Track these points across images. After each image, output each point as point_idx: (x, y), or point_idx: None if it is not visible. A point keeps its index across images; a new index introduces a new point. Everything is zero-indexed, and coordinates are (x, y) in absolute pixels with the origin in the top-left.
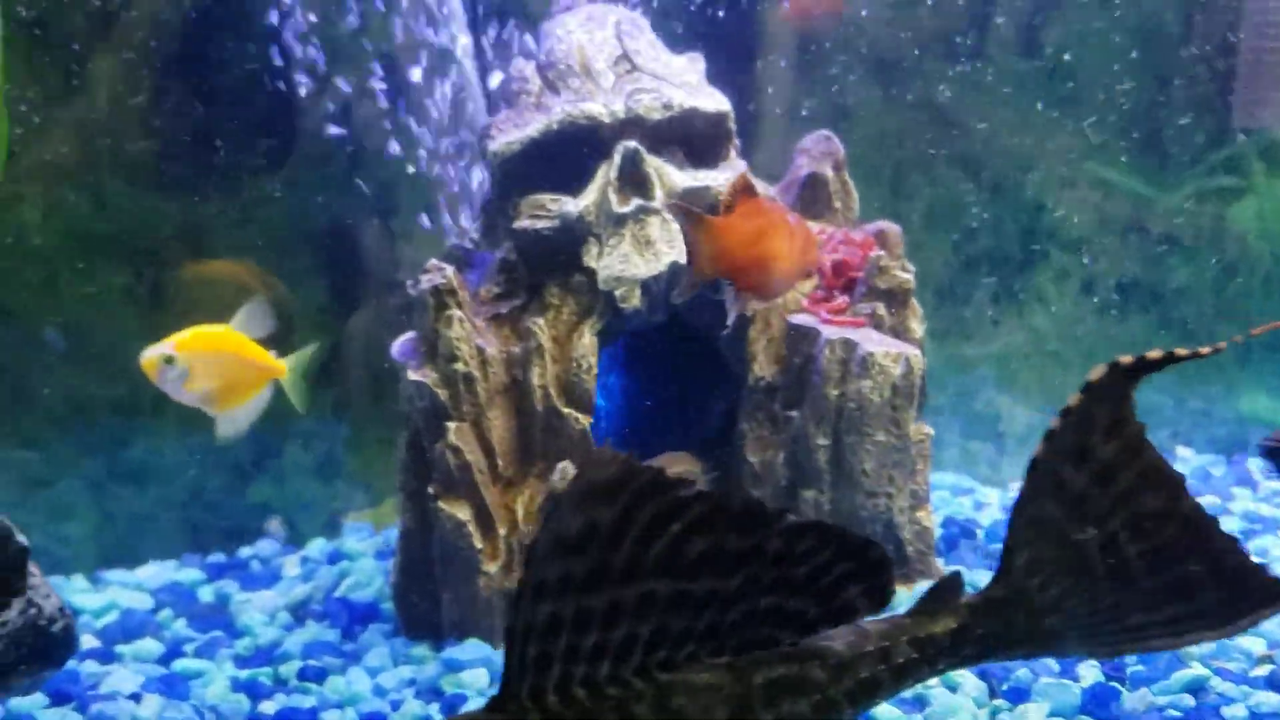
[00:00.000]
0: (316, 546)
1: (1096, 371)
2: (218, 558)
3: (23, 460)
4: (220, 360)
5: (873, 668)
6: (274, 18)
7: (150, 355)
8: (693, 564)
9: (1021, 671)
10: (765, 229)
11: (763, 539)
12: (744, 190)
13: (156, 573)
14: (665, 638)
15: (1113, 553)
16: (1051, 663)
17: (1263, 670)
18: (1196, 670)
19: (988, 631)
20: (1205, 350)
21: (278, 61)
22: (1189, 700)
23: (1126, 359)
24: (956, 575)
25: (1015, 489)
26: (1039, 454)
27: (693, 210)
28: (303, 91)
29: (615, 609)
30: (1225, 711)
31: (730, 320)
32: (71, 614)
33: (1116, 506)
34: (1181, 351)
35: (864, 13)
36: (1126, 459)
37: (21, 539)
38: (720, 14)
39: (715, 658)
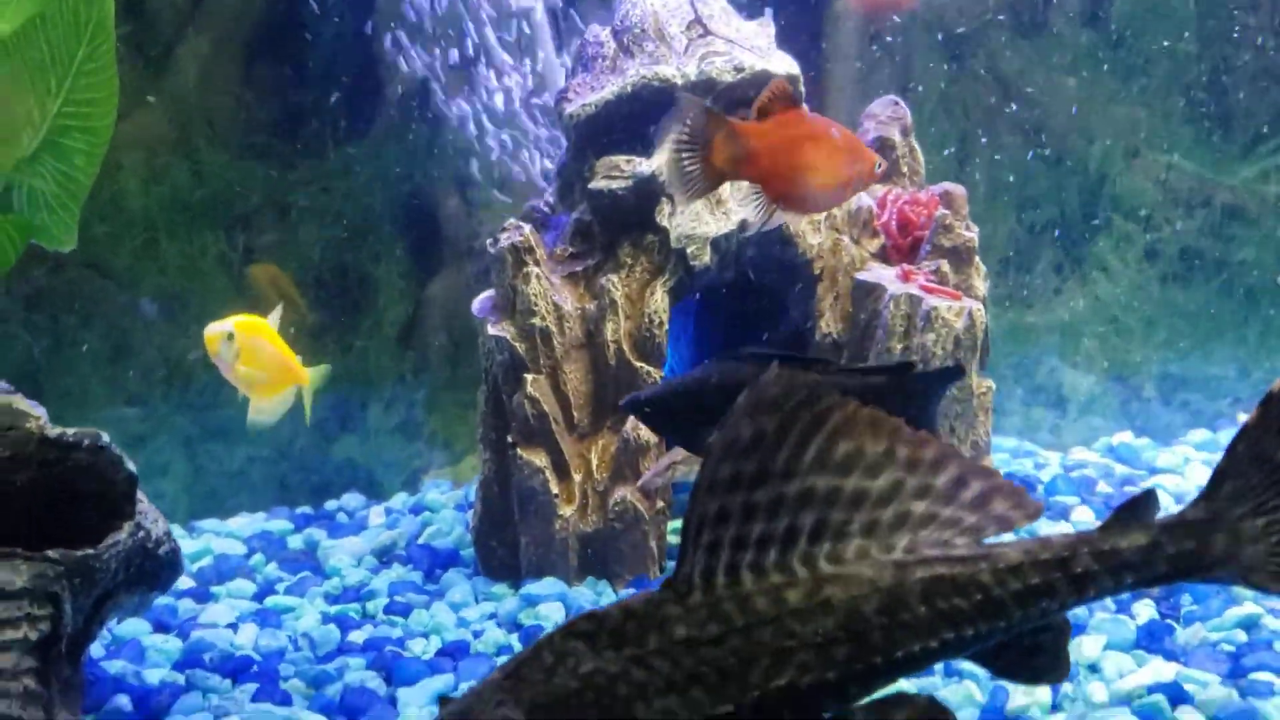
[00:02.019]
0: (399, 500)
1: None
2: (305, 510)
3: (123, 417)
4: (266, 352)
5: (1047, 574)
6: None
7: (214, 331)
8: (840, 464)
9: (1079, 611)
10: (799, 138)
11: (894, 444)
12: (780, 98)
13: (247, 523)
14: (826, 529)
15: None
16: (1109, 601)
17: None
18: (1250, 608)
19: (1180, 551)
20: None
21: (362, 39)
22: (1241, 636)
23: None
24: (1151, 492)
25: (1076, 454)
26: (1274, 389)
27: (711, 109)
28: (385, 67)
29: (778, 503)
30: (1277, 646)
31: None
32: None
33: None
34: None
35: None
36: None
37: (130, 466)
38: None
39: (885, 554)
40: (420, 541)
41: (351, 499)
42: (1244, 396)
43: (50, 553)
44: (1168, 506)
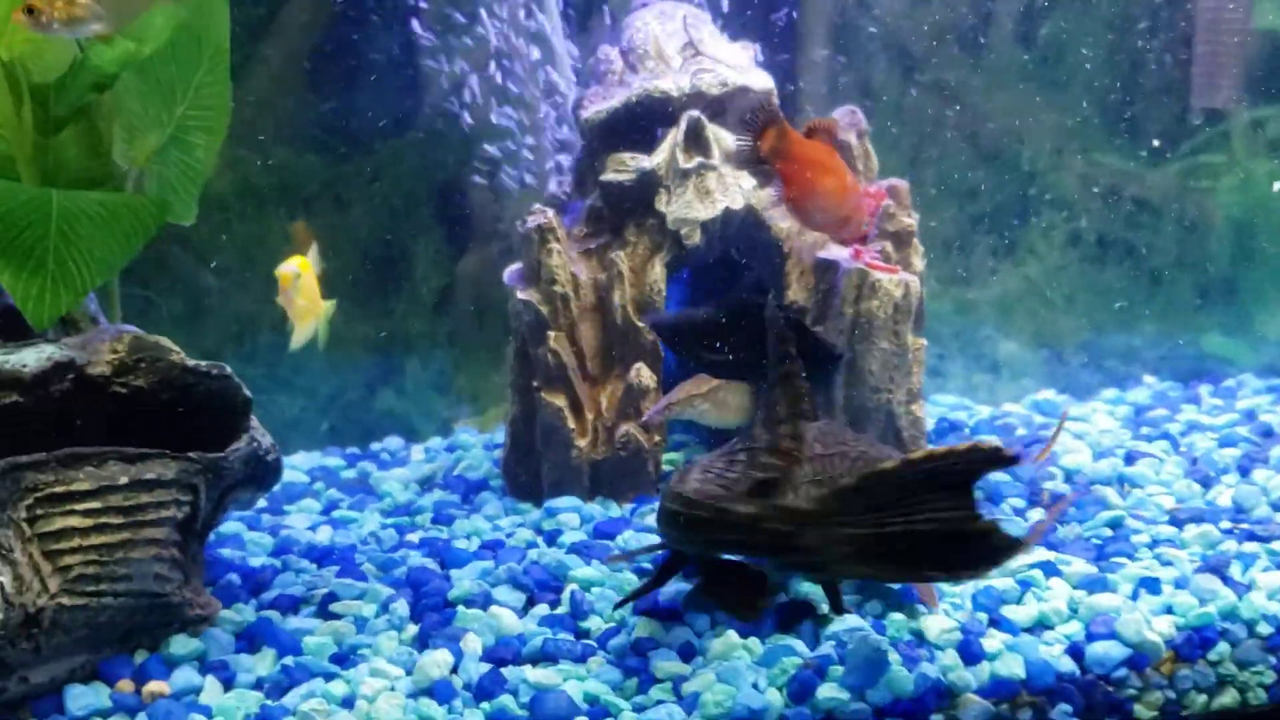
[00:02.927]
0: (434, 442)
1: None
2: (353, 450)
3: None
4: (311, 285)
5: None
6: (405, 9)
7: (287, 270)
8: None
9: None
10: (826, 165)
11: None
12: (826, 131)
13: (306, 459)
14: None
15: None
16: (1008, 506)
17: (1167, 515)
18: (1117, 512)
19: None
20: None
21: (407, 51)
22: (1107, 531)
23: None
24: None
25: (1005, 408)
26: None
27: (776, 109)
28: (426, 71)
29: None
30: (1132, 539)
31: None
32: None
33: None
34: None
35: (884, 11)
36: None
37: (247, 391)
38: (768, 9)
39: None
40: (455, 473)
41: (393, 441)
42: (1151, 361)
43: (191, 454)
44: (1066, 443)
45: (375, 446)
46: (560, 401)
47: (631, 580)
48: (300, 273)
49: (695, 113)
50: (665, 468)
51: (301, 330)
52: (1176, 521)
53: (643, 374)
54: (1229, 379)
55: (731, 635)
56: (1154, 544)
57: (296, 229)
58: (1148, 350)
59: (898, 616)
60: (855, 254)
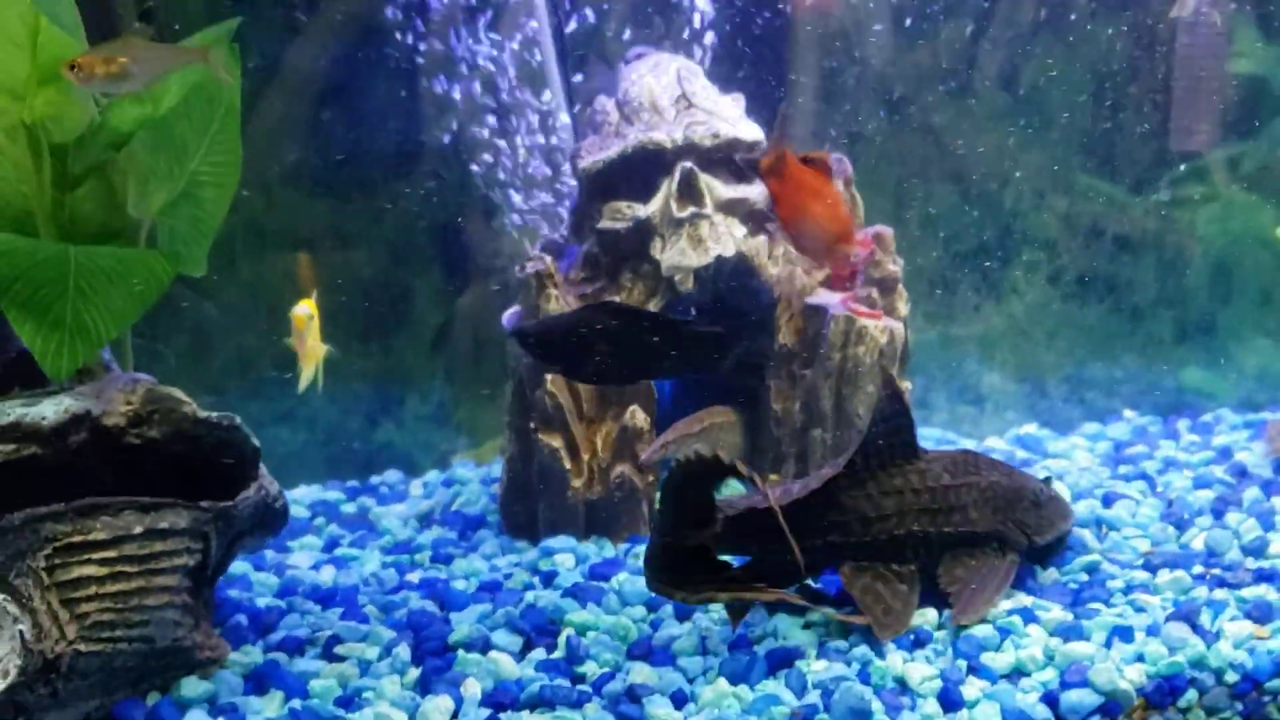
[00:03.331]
0: (432, 476)
1: None
2: (353, 483)
3: (203, 404)
4: (316, 327)
5: None
6: (406, 58)
7: (302, 311)
8: None
9: None
10: (817, 192)
11: None
12: (821, 164)
13: (307, 493)
14: None
15: None
16: None
17: (1142, 559)
18: (1094, 557)
19: None
20: None
21: (409, 97)
22: (1084, 576)
23: None
24: None
25: (989, 442)
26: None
27: (783, 137)
28: (428, 116)
29: None
30: (1109, 584)
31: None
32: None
33: None
34: None
35: (874, 57)
36: None
37: (255, 441)
38: (756, 60)
39: None
40: (453, 509)
41: (392, 474)
42: (1131, 394)
43: (203, 503)
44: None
45: (375, 480)
46: (557, 442)
47: (626, 624)
48: (313, 314)
49: (688, 164)
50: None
51: (309, 372)
52: (1150, 566)
53: (637, 416)
54: (1207, 413)
55: (722, 683)
56: (1128, 589)
57: (302, 262)
58: (1128, 384)
59: (881, 664)
60: (846, 299)
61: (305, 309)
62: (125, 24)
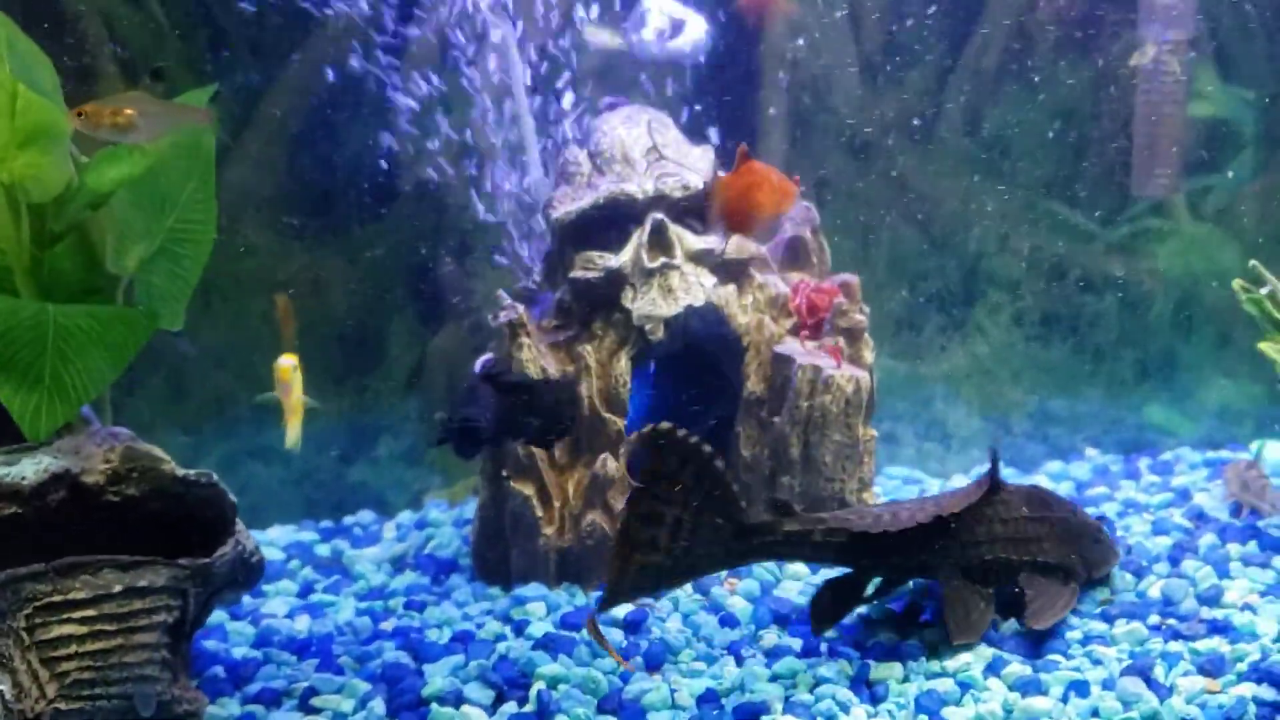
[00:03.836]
0: (405, 516)
1: None
2: (327, 524)
3: (180, 443)
4: (299, 387)
5: None
6: (380, 103)
7: (287, 363)
8: None
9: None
10: (751, 185)
11: None
12: (742, 154)
13: (282, 534)
14: None
15: None
16: None
17: (1099, 608)
18: None
19: None
20: None
21: (382, 141)
22: None
23: None
24: None
25: (955, 481)
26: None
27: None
28: (400, 161)
29: None
30: (1067, 635)
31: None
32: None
33: None
34: None
35: (843, 105)
36: None
37: (232, 497)
38: (727, 109)
39: None
40: (426, 552)
41: (365, 515)
42: (1094, 433)
43: (181, 560)
44: None
45: (348, 520)
46: (529, 490)
47: (597, 676)
48: (297, 365)
49: (659, 215)
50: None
51: (294, 427)
52: (1108, 617)
53: (609, 464)
54: (1167, 451)
55: None
56: (1086, 640)
57: (280, 304)
58: (1090, 422)
59: (845, 718)
60: (831, 351)
61: (290, 360)
62: (106, 75)
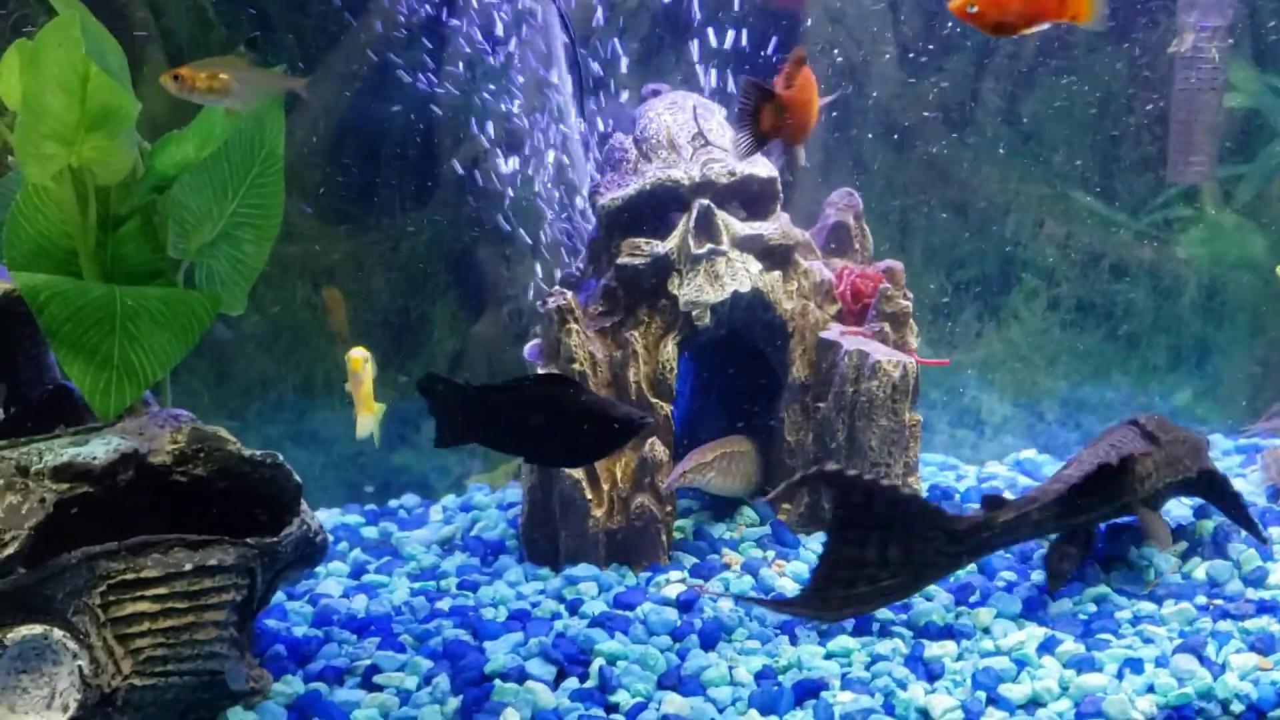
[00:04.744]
0: (450, 500)
1: None
2: (371, 507)
3: (224, 426)
4: (369, 379)
5: None
6: (424, 90)
7: (359, 354)
8: None
9: (978, 583)
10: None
11: None
12: (796, 62)
13: (328, 516)
14: None
15: None
16: (999, 580)
17: (1147, 589)
18: (1102, 589)
19: None
20: None
21: (426, 130)
22: (1093, 607)
23: None
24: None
25: (990, 467)
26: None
27: (760, 84)
28: (444, 149)
29: None
30: (1116, 615)
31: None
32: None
33: None
34: None
35: (876, 93)
36: None
37: (297, 478)
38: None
39: None
40: (473, 534)
41: (409, 498)
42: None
43: (249, 540)
44: None
45: (393, 503)
46: (578, 473)
47: (655, 654)
48: (369, 357)
49: (705, 201)
50: (676, 535)
51: (364, 421)
52: (1156, 598)
53: (656, 448)
54: None
55: (752, 714)
56: (1136, 620)
57: (331, 298)
58: (1123, 408)
59: (904, 695)
60: (851, 332)
61: (361, 352)
62: (153, 61)
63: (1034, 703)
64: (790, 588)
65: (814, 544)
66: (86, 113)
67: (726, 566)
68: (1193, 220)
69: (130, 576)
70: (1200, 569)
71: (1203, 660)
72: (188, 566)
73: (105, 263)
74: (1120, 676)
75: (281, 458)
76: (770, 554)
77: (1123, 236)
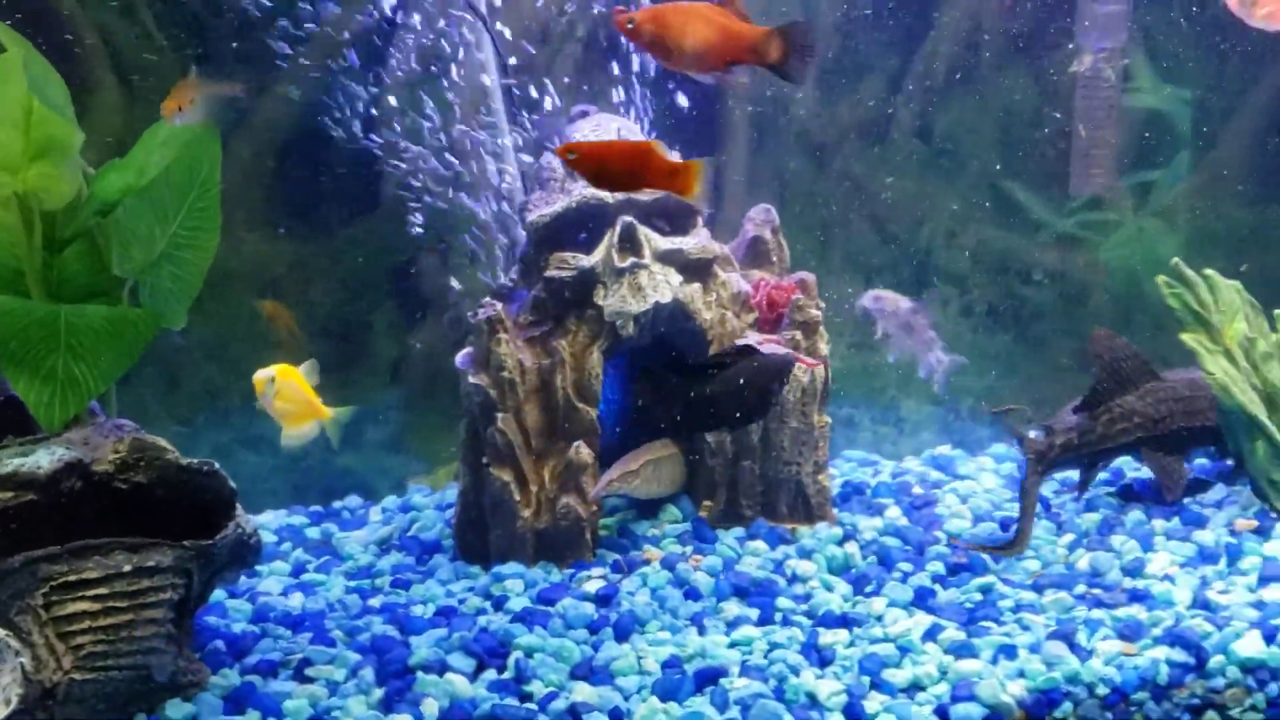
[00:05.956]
0: (390, 501)
1: None
2: (316, 508)
3: (174, 433)
4: (296, 392)
5: None
6: (365, 110)
7: (261, 375)
8: None
9: (876, 574)
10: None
11: None
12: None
13: (274, 518)
14: None
15: None
16: (896, 571)
17: (1031, 579)
18: (989, 579)
19: None
20: None
21: (366, 145)
22: (978, 596)
23: None
24: None
25: (907, 463)
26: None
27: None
28: (384, 163)
29: None
30: (999, 604)
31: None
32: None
33: None
34: None
35: (802, 110)
36: None
37: (232, 484)
38: (692, 116)
39: None
40: (410, 534)
41: (352, 499)
42: (1036, 418)
43: (186, 542)
44: (953, 506)
45: (337, 504)
46: (507, 476)
47: (570, 646)
48: (274, 376)
49: (628, 218)
50: (602, 532)
51: (290, 431)
52: (1038, 587)
53: (582, 451)
54: None
55: (654, 700)
56: (1017, 609)
57: (266, 308)
58: (1032, 408)
59: (795, 680)
60: (765, 340)
61: (268, 372)
62: (104, 84)
63: (915, 686)
64: (706, 582)
65: (730, 539)
66: (31, 143)
67: (646, 562)
68: (1101, 227)
69: (72, 578)
70: (1084, 560)
71: (1073, 647)
72: (127, 568)
73: (52, 282)
74: (994, 662)
75: (218, 465)
76: (689, 549)
77: (1031, 244)
